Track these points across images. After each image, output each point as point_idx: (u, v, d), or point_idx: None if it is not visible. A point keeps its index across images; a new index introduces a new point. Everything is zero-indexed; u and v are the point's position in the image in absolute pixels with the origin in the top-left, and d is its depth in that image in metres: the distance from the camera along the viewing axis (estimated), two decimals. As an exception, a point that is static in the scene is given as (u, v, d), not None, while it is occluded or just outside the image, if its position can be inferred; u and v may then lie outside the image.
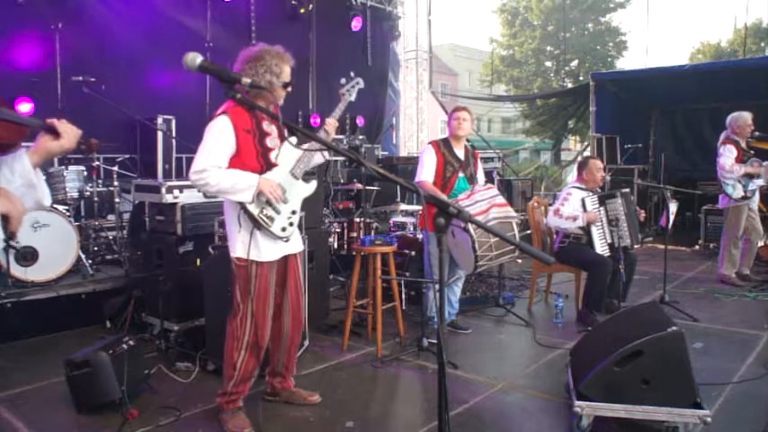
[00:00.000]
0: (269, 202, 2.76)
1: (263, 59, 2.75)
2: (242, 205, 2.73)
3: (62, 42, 5.84)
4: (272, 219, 2.80)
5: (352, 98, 3.16)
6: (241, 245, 2.78)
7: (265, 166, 2.80)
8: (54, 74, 5.80)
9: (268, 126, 2.85)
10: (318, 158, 3.12)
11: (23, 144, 1.60)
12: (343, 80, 3.15)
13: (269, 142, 2.83)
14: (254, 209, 2.73)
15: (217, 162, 2.67)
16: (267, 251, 2.83)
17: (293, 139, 2.84)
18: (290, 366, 3.21)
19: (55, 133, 1.57)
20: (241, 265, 2.80)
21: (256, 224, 2.76)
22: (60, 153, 1.60)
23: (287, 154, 2.89)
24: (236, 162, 2.73)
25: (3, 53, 5.61)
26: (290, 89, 2.85)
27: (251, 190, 2.69)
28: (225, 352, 2.93)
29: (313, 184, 3.03)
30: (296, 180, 2.92)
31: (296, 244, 3.03)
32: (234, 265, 2.84)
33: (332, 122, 3.07)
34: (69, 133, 1.59)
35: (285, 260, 2.98)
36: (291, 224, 2.89)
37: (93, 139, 1.78)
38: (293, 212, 2.90)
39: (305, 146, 2.99)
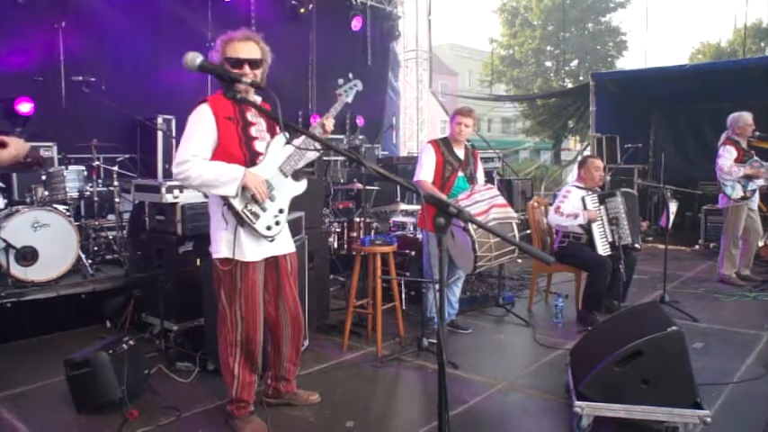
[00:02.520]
0: (254, 197, 2.63)
1: (216, 45, 2.69)
2: (225, 200, 2.61)
3: (64, 42, 5.84)
4: (256, 215, 2.66)
5: (349, 100, 3.03)
6: (226, 244, 2.67)
7: (249, 155, 2.67)
8: (57, 74, 5.80)
9: (254, 117, 2.74)
10: (311, 154, 2.94)
11: None
12: (340, 81, 3.06)
13: (254, 132, 2.71)
14: (238, 204, 2.61)
15: (198, 152, 2.56)
16: (251, 251, 2.71)
17: (286, 134, 2.69)
18: (292, 369, 3.18)
19: (2, 145, 1.85)
20: (226, 268, 2.69)
21: (240, 220, 2.64)
22: (8, 162, 1.88)
23: (277, 149, 2.75)
24: (220, 152, 2.62)
25: (3, 53, 5.61)
26: (246, 69, 2.61)
27: (235, 183, 2.56)
28: (220, 359, 2.87)
29: (303, 183, 2.90)
30: (285, 177, 2.78)
31: (285, 245, 2.91)
32: (216, 267, 2.73)
33: (330, 124, 2.90)
34: (17, 145, 1.86)
35: (275, 262, 2.88)
36: (278, 223, 2.76)
37: (39, 155, 2.15)
38: (280, 211, 2.77)
39: (296, 141, 2.85)
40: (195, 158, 2.55)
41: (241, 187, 2.58)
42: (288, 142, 2.75)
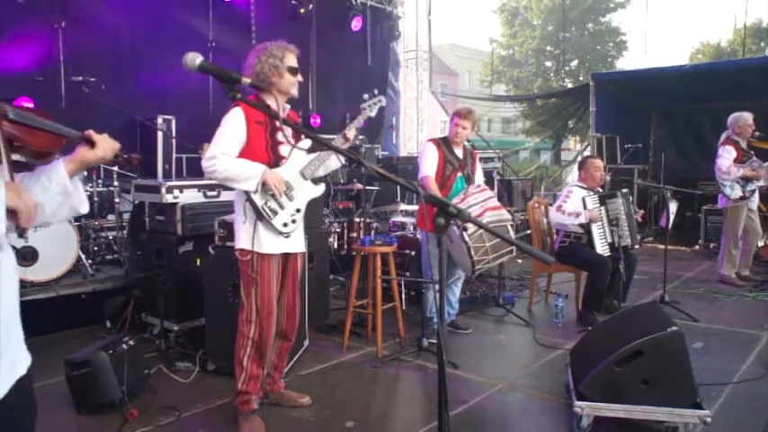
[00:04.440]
0: (273, 195, 2.82)
1: (266, 48, 2.88)
2: (247, 195, 2.79)
3: (64, 42, 5.84)
4: (274, 212, 2.85)
5: (372, 114, 3.28)
6: (246, 236, 2.84)
7: (273, 158, 2.87)
8: (56, 73, 5.79)
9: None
10: (335, 163, 3.14)
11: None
12: (366, 96, 3.24)
13: (280, 137, 2.89)
14: (258, 199, 2.80)
15: (226, 150, 2.76)
16: (268, 244, 2.87)
17: (307, 143, 2.97)
18: (279, 367, 3.21)
19: (91, 143, 1.62)
20: (244, 258, 2.85)
21: (259, 215, 2.82)
22: (95, 163, 1.65)
23: (300, 154, 2.96)
24: (247, 152, 2.82)
25: (3, 53, 5.61)
26: (299, 77, 2.92)
27: (256, 179, 2.75)
28: (235, 349, 2.96)
29: (321, 187, 3.09)
30: (305, 180, 2.99)
31: (298, 244, 3.05)
32: (238, 259, 2.88)
33: (351, 134, 3.11)
34: (104, 144, 1.64)
35: (286, 259, 3.01)
36: (294, 221, 2.94)
37: (134, 155, 1.88)
38: (297, 210, 2.95)
39: (320, 153, 3.04)
40: (223, 156, 2.75)
41: (261, 184, 2.77)
42: (308, 152, 2.99)
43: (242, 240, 2.87)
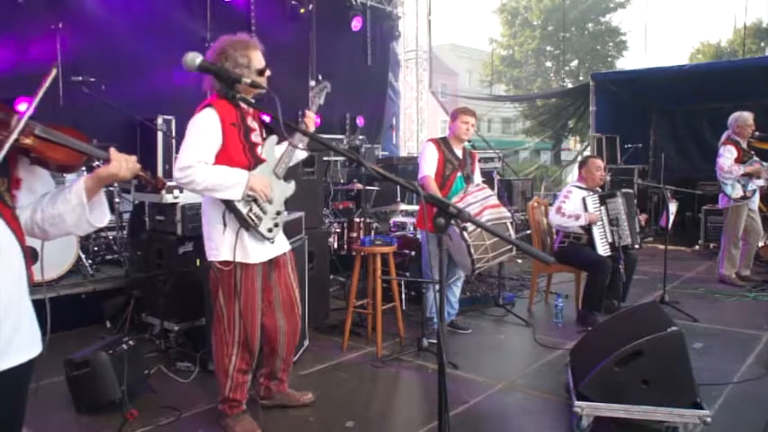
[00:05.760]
0: (256, 201, 2.65)
1: (226, 53, 2.61)
2: (227, 204, 2.61)
3: (63, 42, 5.84)
4: (259, 218, 2.69)
5: (321, 102, 3.12)
6: (227, 247, 2.65)
7: (253, 161, 2.68)
8: (55, 74, 5.80)
9: (251, 121, 2.75)
10: (300, 154, 3.00)
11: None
12: (312, 83, 3.13)
13: (254, 137, 2.72)
14: (242, 207, 2.61)
15: (202, 157, 2.53)
16: (254, 252, 2.73)
17: (274, 138, 2.79)
18: (287, 369, 3.18)
19: (105, 160, 1.69)
20: (225, 269, 2.68)
21: (244, 224, 2.64)
22: (109, 179, 1.68)
23: (269, 153, 2.79)
24: (223, 157, 2.60)
25: (2, 53, 5.61)
26: (268, 73, 2.72)
27: (240, 187, 2.56)
28: (215, 359, 2.88)
29: (292, 185, 2.93)
30: (278, 180, 2.83)
31: (282, 245, 2.94)
32: (215, 269, 2.72)
33: (310, 114, 2.94)
34: (118, 163, 1.67)
35: (273, 262, 2.90)
36: (277, 225, 2.80)
37: (160, 177, 1.94)
38: (278, 213, 2.81)
39: (296, 141, 2.86)
40: (199, 164, 2.52)
41: (246, 190, 2.59)
42: (279, 141, 2.80)
43: (222, 252, 2.67)
